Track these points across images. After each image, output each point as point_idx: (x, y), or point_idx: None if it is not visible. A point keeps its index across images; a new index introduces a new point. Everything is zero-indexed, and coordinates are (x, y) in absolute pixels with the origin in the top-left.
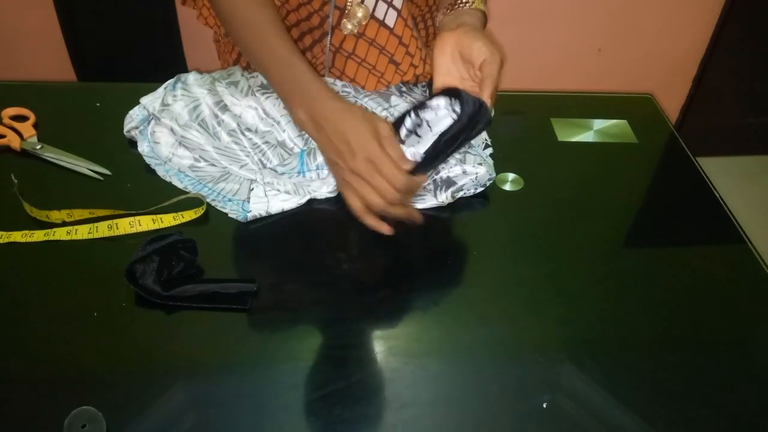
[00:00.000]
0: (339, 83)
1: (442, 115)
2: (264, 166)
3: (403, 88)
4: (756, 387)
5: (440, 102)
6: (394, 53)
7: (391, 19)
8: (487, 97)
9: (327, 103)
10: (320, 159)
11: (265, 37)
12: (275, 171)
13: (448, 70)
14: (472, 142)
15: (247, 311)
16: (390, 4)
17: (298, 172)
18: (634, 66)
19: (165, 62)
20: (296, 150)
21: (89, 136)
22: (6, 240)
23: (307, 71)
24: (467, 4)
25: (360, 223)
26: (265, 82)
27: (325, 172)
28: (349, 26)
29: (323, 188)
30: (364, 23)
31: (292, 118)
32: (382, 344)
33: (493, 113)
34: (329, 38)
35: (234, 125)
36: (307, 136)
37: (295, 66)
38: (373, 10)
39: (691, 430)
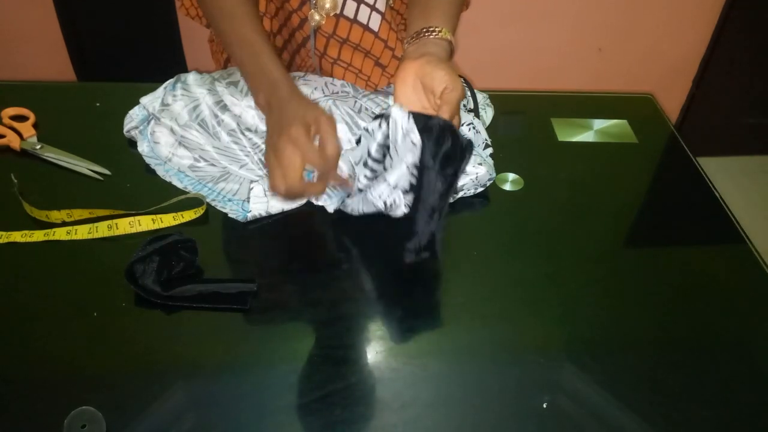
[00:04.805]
0: (338, 82)
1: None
2: (264, 166)
3: None
4: (756, 387)
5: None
6: (380, 57)
7: (375, 22)
8: None
9: (284, 91)
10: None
11: (234, 20)
12: None
13: (408, 100)
14: (472, 141)
15: (246, 311)
16: (373, 8)
17: None
18: (634, 66)
19: (165, 62)
20: None
21: (89, 136)
22: (6, 240)
23: (271, 59)
24: (433, 34)
25: (360, 224)
26: None
27: (333, 191)
28: (317, 17)
29: (326, 201)
30: (331, 14)
31: (254, 101)
32: (382, 344)
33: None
34: (312, 41)
35: (234, 125)
36: None
37: (261, 53)
38: (356, 13)
39: (691, 430)
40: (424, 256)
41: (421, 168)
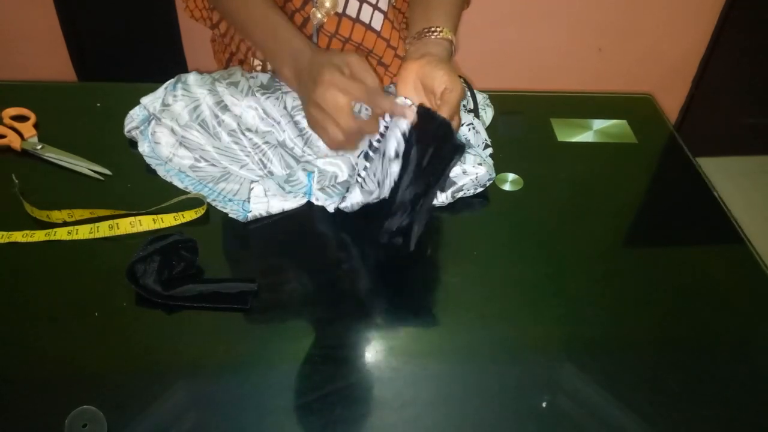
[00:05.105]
0: None
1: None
2: (264, 166)
3: None
4: (756, 387)
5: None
6: (382, 56)
7: (377, 22)
8: None
9: (307, 54)
10: (327, 180)
11: (244, 0)
12: (282, 188)
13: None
14: (472, 142)
15: (247, 311)
16: (375, 7)
17: (305, 193)
18: (634, 66)
19: (165, 62)
20: (296, 150)
21: (90, 136)
22: (6, 240)
23: (288, 29)
24: (434, 34)
25: (360, 224)
26: (265, 82)
27: (333, 191)
28: (319, 15)
29: (327, 201)
30: (332, 13)
31: (278, 75)
32: (382, 344)
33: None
34: (315, 41)
35: (234, 125)
36: (307, 136)
37: (277, 27)
38: (358, 12)
39: (691, 430)
40: (396, 241)
41: (407, 149)
